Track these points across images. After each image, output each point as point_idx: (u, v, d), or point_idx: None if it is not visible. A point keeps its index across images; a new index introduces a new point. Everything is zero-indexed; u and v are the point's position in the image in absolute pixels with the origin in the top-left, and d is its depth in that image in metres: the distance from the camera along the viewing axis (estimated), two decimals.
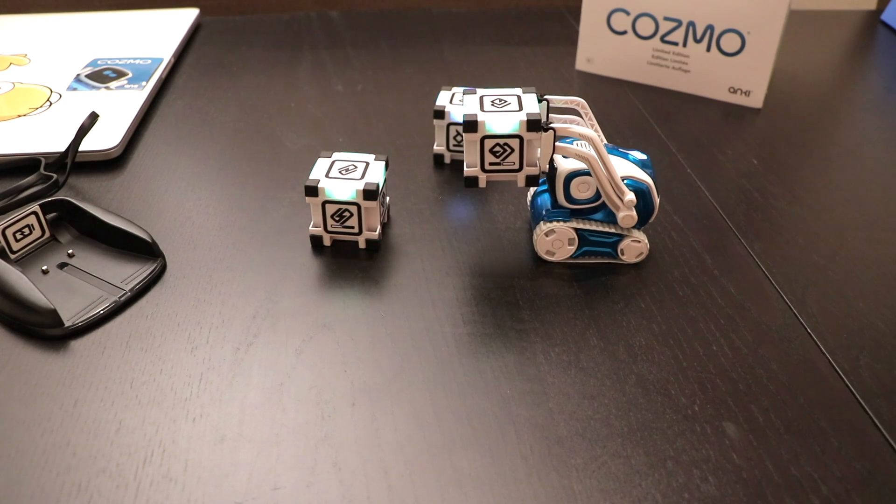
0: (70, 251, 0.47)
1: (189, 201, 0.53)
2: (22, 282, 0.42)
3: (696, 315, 0.43)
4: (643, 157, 0.46)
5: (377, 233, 0.47)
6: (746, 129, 0.63)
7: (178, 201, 0.53)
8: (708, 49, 0.66)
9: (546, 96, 0.46)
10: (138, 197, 0.53)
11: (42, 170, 0.53)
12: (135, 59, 0.72)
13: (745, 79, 0.66)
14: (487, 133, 0.41)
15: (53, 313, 0.41)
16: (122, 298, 0.44)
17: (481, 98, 0.43)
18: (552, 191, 0.45)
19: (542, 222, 0.46)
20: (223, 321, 0.42)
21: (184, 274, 0.46)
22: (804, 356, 0.40)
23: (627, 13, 0.68)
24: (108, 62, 0.72)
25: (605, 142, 0.47)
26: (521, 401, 0.37)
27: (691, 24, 0.66)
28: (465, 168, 0.43)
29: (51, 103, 0.64)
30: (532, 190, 0.49)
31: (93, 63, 0.72)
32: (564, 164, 0.44)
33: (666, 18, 0.67)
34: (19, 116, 0.62)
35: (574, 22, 0.85)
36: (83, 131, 0.54)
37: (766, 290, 0.45)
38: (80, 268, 0.46)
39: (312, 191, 0.45)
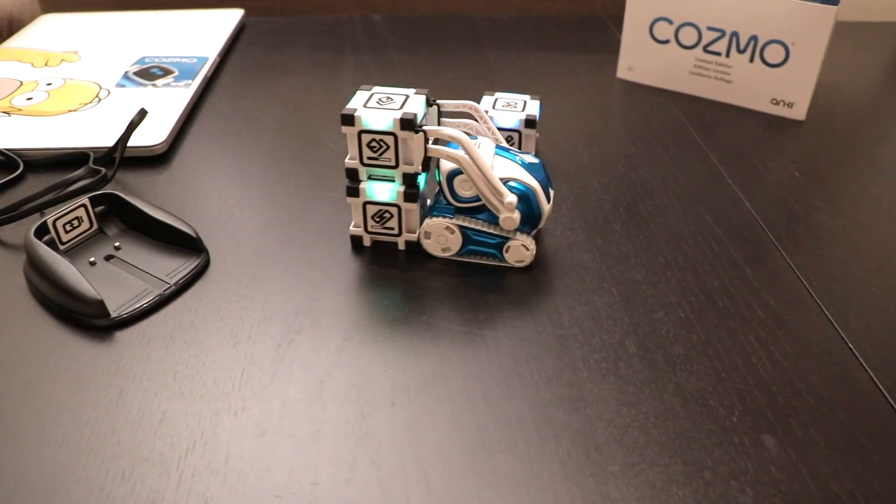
0: (117, 244, 0.48)
1: (232, 198, 0.54)
2: (71, 272, 0.43)
3: (736, 326, 0.43)
4: (534, 160, 0.46)
5: (417, 234, 0.47)
6: (789, 141, 0.62)
7: (222, 198, 0.54)
8: (751, 60, 0.66)
9: (439, 101, 0.47)
10: (183, 193, 0.54)
11: (91, 164, 0.54)
12: (181, 57, 0.74)
13: (788, 90, 0.65)
14: (363, 128, 0.43)
15: (100, 304, 0.42)
16: (167, 292, 0.44)
17: (371, 95, 0.45)
18: (440, 188, 0.46)
19: (426, 218, 0.46)
20: (265, 317, 0.43)
21: (227, 270, 0.47)
22: (845, 371, 0.40)
23: (671, 22, 0.68)
24: (156, 60, 0.73)
25: (503, 144, 0.47)
26: (559, 406, 0.37)
27: (735, 34, 0.66)
28: (346, 160, 0.45)
29: (99, 99, 0.65)
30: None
31: (140, 61, 0.73)
32: (448, 163, 0.45)
33: (709, 28, 0.67)
34: (69, 111, 0.63)
35: (615, 30, 0.85)
36: (132, 127, 0.55)
37: (806, 304, 0.44)
38: (126, 260, 0.47)
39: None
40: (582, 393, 0.38)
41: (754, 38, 0.65)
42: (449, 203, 0.46)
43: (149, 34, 0.80)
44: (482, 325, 0.42)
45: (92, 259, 0.47)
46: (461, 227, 0.46)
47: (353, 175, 0.45)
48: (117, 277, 0.46)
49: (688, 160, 0.59)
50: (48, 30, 0.82)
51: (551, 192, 0.46)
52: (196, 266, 0.46)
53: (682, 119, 0.66)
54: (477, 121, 0.48)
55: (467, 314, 0.43)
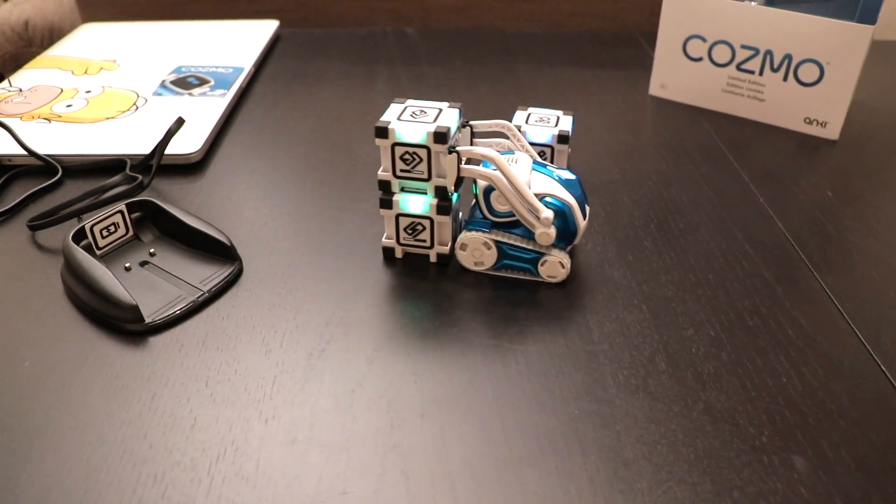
0: (151, 250, 0.49)
1: (266, 207, 0.54)
2: (107, 277, 0.43)
3: (766, 345, 0.42)
4: (571, 176, 0.46)
5: (448, 247, 0.48)
6: (821, 160, 0.62)
7: (256, 207, 0.54)
8: (785, 78, 0.66)
9: (471, 122, 0.48)
10: (217, 201, 0.55)
11: (128, 170, 0.55)
12: (217, 67, 0.75)
13: (821, 110, 0.65)
14: (397, 140, 0.44)
15: (135, 309, 0.42)
16: (200, 299, 0.45)
17: (405, 108, 0.46)
18: (477, 202, 0.46)
19: (462, 231, 0.46)
20: (297, 326, 0.43)
21: (259, 278, 0.47)
22: (877, 393, 0.39)
23: (704, 40, 0.68)
24: (192, 70, 0.74)
25: (538, 160, 0.47)
26: (588, 421, 0.37)
27: (769, 52, 0.66)
28: (380, 171, 0.46)
29: (137, 107, 0.66)
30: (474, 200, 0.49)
31: (177, 70, 0.74)
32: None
33: (743, 46, 0.67)
34: (108, 119, 0.64)
35: (648, 47, 0.85)
36: (170, 135, 0.56)
37: (838, 325, 0.44)
38: (161, 267, 0.48)
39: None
40: (611, 409, 0.38)
41: (788, 57, 0.65)
42: (485, 217, 0.46)
43: (186, 44, 0.81)
44: (512, 338, 0.42)
45: (127, 265, 0.47)
46: (497, 242, 0.46)
47: (385, 187, 0.46)
48: (152, 283, 0.46)
49: (719, 178, 0.59)
50: (88, 38, 0.84)
51: (587, 209, 0.46)
52: (229, 274, 0.47)
53: (714, 137, 0.65)
54: (510, 139, 0.48)
55: (498, 328, 0.43)
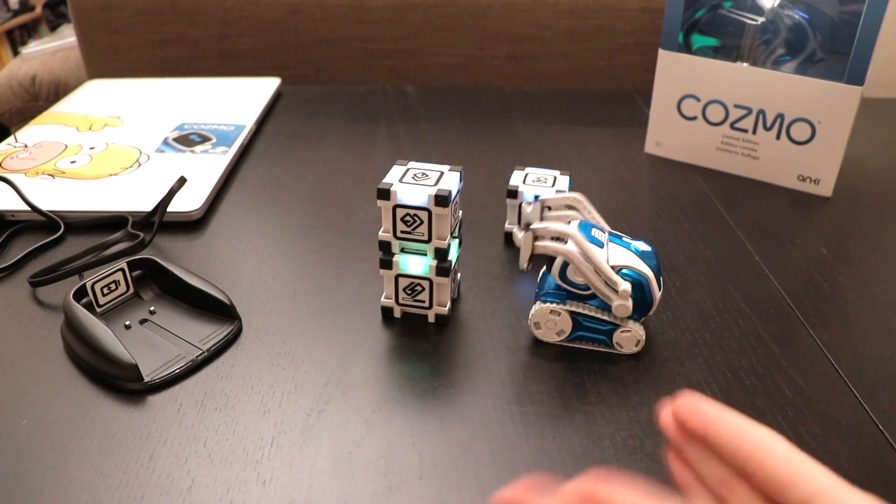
0: (152, 308, 0.49)
1: (266, 265, 0.55)
2: (108, 336, 0.44)
3: (764, 406, 0.42)
4: (647, 248, 0.46)
5: (447, 308, 0.48)
6: (815, 217, 0.63)
7: (256, 265, 0.55)
8: (777, 137, 0.67)
9: (542, 197, 0.48)
10: (217, 258, 0.55)
11: (129, 228, 0.55)
12: (219, 124, 0.76)
13: (814, 167, 0.66)
14: (399, 203, 0.44)
15: (135, 368, 0.43)
16: (199, 358, 0.45)
17: (407, 170, 0.46)
18: (548, 274, 0.46)
19: (538, 302, 0.46)
20: (295, 386, 0.43)
21: (259, 337, 0.47)
22: (876, 453, 0.39)
23: (698, 99, 0.69)
24: (195, 127, 0.75)
25: (610, 230, 0.47)
26: None
27: (761, 112, 0.67)
28: (380, 232, 0.46)
29: (140, 164, 0.67)
30: (544, 268, 0.49)
31: (180, 127, 0.75)
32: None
33: (736, 106, 0.68)
34: (111, 175, 0.65)
35: (643, 105, 0.87)
36: (171, 194, 0.57)
37: (835, 384, 0.44)
38: (161, 325, 0.48)
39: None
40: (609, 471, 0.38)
41: (781, 116, 0.66)
42: (559, 289, 0.46)
43: (188, 101, 0.83)
44: (510, 399, 0.42)
45: (127, 322, 0.48)
46: (572, 313, 0.46)
47: (386, 248, 0.46)
48: (151, 342, 0.46)
49: (715, 236, 0.59)
50: (93, 95, 0.85)
51: (661, 280, 0.46)
52: (228, 333, 0.47)
53: (709, 194, 0.66)
54: (580, 211, 0.48)
55: (496, 388, 0.43)
